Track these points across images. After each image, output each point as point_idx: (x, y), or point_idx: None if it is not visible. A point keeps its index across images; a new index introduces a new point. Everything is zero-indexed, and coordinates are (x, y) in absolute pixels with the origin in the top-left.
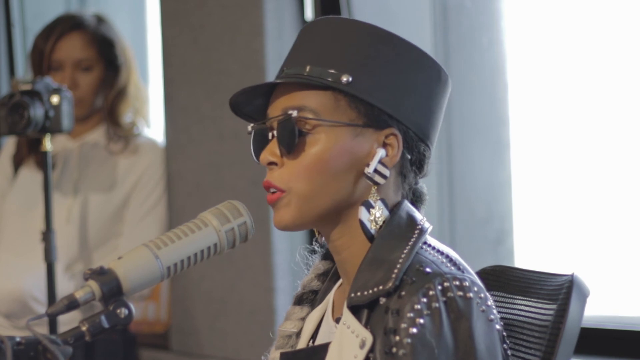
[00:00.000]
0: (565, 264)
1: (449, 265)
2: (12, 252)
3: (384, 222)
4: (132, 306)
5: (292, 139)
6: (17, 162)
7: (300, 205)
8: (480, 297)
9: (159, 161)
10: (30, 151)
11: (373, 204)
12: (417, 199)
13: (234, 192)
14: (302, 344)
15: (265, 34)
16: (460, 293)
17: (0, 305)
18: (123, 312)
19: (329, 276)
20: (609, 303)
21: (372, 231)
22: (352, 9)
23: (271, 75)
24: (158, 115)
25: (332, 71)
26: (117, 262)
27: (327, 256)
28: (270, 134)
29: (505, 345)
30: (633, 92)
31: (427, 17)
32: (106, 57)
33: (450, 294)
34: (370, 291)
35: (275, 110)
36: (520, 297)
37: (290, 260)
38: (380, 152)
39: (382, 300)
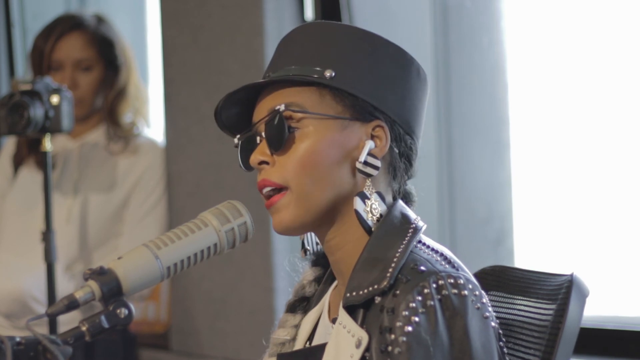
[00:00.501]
0: (565, 264)
1: (443, 263)
2: (12, 252)
3: (380, 216)
4: (132, 306)
5: (282, 135)
6: (17, 162)
7: (301, 204)
8: (475, 295)
9: (159, 161)
10: (30, 151)
11: (368, 195)
12: (407, 200)
13: (234, 192)
14: (299, 345)
15: (265, 34)
16: (455, 291)
17: (0, 305)
18: (123, 312)
19: (324, 279)
20: (608, 303)
21: (369, 222)
22: (352, 9)
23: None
24: (158, 115)
25: (315, 68)
26: (117, 262)
27: (316, 262)
28: (257, 138)
29: (501, 342)
30: (633, 92)
31: (427, 17)
32: (106, 57)
33: (445, 292)
34: (366, 290)
35: (261, 113)
36: (519, 297)
37: (290, 260)
38: (369, 143)
39: (378, 299)
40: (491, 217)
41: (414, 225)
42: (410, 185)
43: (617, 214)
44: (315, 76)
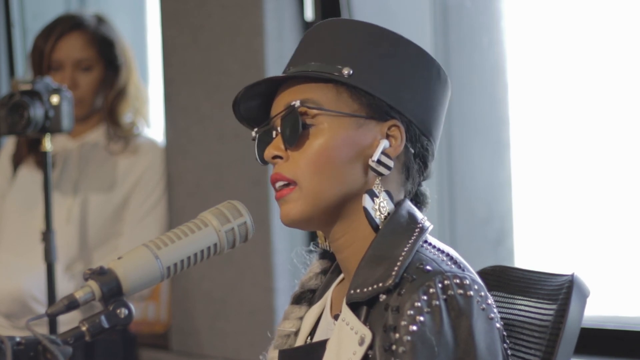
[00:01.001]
0: (565, 264)
1: (449, 263)
2: (12, 252)
3: (388, 214)
4: (132, 306)
5: (296, 130)
6: (17, 162)
7: (309, 200)
8: (481, 296)
9: (159, 161)
10: (30, 151)
11: (377, 193)
12: (420, 201)
13: (234, 192)
14: (300, 340)
15: (265, 34)
16: (461, 291)
17: (0, 305)
18: (123, 312)
19: (328, 274)
20: (609, 303)
21: (377, 220)
22: (352, 9)
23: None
24: (158, 115)
25: (334, 65)
26: (117, 262)
27: (324, 255)
28: (274, 132)
29: (505, 344)
30: (633, 92)
31: (427, 17)
32: (106, 57)
33: (450, 292)
34: (370, 288)
35: (278, 107)
36: (520, 297)
37: (291, 260)
38: (384, 143)
39: (382, 297)
40: (491, 217)
41: (420, 225)
42: (425, 187)
43: (617, 214)
44: (334, 73)
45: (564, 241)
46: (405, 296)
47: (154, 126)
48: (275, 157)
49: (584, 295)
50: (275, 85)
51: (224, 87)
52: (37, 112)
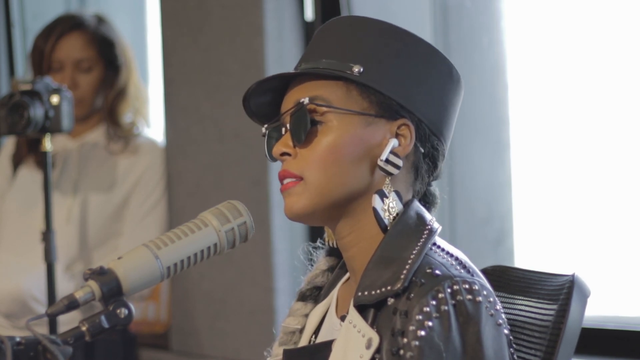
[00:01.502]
0: (566, 264)
1: (458, 267)
2: (12, 252)
3: (397, 215)
4: (132, 306)
5: (304, 128)
6: (17, 162)
7: (314, 195)
8: (490, 301)
9: (159, 161)
10: (30, 151)
11: (387, 193)
12: (429, 202)
13: (234, 192)
14: (304, 339)
15: (265, 34)
16: (470, 296)
17: (0, 305)
18: (123, 312)
19: (334, 272)
20: (609, 303)
21: (386, 221)
22: (352, 9)
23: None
24: (158, 116)
25: (344, 63)
26: (117, 262)
27: (331, 252)
28: (283, 129)
29: (511, 349)
30: (633, 92)
31: (427, 17)
32: (106, 57)
33: (459, 297)
34: (378, 291)
35: (288, 104)
36: (520, 297)
37: (291, 260)
38: (393, 142)
39: (390, 300)
40: (491, 217)
41: (429, 227)
42: (435, 187)
43: (617, 214)
44: (345, 71)
45: (564, 241)
46: (414, 301)
47: (154, 126)
48: (283, 154)
49: (584, 295)
50: (286, 82)
51: (224, 87)
52: (37, 112)
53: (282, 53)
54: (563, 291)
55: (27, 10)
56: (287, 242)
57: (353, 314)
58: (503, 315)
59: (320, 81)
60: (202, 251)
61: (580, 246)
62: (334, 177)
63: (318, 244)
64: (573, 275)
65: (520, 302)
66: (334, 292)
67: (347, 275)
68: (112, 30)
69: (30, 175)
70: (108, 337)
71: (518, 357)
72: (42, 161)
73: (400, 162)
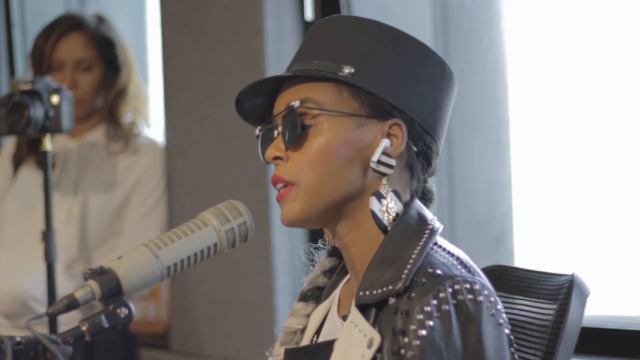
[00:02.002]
0: (566, 264)
1: (459, 267)
2: (12, 252)
3: (397, 215)
4: (132, 306)
5: (295, 131)
6: (17, 162)
7: (308, 198)
8: (491, 301)
9: (159, 161)
10: (30, 151)
11: (385, 194)
12: (426, 198)
13: (234, 192)
14: (306, 339)
15: (265, 34)
16: (471, 296)
17: (0, 305)
18: (123, 312)
19: (336, 272)
20: (609, 303)
21: (385, 222)
22: (352, 9)
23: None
24: (158, 116)
25: (335, 64)
26: (117, 261)
27: (333, 253)
28: (275, 132)
29: (512, 348)
30: (633, 92)
31: (427, 17)
32: (106, 57)
33: (460, 297)
34: (380, 290)
35: (280, 106)
36: (520, 297)
37: (290, 260)
38: (384, 142)
39: (392, 300)
40: (491, 217)
41: (430, 227)
42: (431, 184)
43: (617, 214)
44: (332, 72)
45: (564, 241)
46: (415, 300)
47: (154, 126)
48: (276, 157)
49: (584, 295)
50: (280, 83)
51: (224, 87)
52: (37, 112)
53: (282, 53)
54: (563, 291)
55: (27, 10)
56: (287, 242)
57: (355, 314)
58: (504, 315)
59: (311, 83)
60: (202, 251)
61: (580, 246)
62: (326, 180)
63: (319, 244)
64: (573, 275)
65: (520, 301)
66: (336, 293)
67: (349, 275)
68: (112, 30)
69: (30, 175)
70: (108, 337)
71: (518, 356)
72: (42, 161)
73: (392, 162)
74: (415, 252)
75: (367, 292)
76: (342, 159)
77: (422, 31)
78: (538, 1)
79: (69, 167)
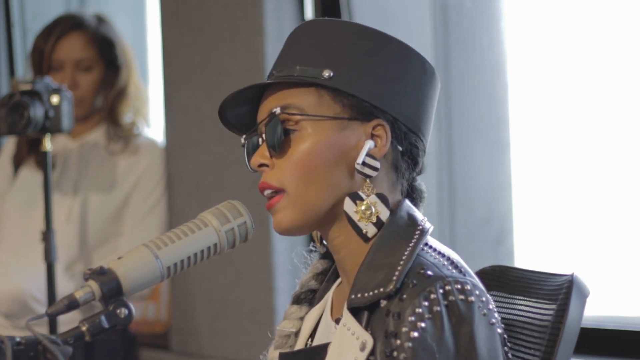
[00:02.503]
0: (565, 264)
1: (450, 268)
2: (12, 252)
3: (377, 219)
4: (132, 306)
5: (278, 138)
6: (17, 162)
7: (298, 207)
8: (482, 301)
9: (159, 161)
10: (30, 151)
11: (363, 196)
12: (416, 197)
13: (234, 192)
14: (300, 343)
15: (265, 34)
16: (462, 297)
17: (0, 305)
18: (123, 312)
19: (328, 275)
20: (609, 303)
21: (360, 224)
22: (352, 9)
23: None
24: (158, 116)
25: (314, 68)
26: (117, 262)
27: (325, 255)
28: (260, 140)
29: (506, 348)
30: (633, 92)
31: (427, 17)
32: (106, 57)
33: (451, 298)
34: (371, 293)
35: (263, 114)
36: (520, 297)
37: (290, 260)
38: (369, 144)
39: (383, 302)
40: (491, 217)
41: (420, 227)
42: (421, 182)
43: (617, 214)
44: (313, 77)
45: (564, 241)
46: (407, 302)
47: (154, 126)
48: (261, 165)
49: (583, 295)
50: (263, 90)
51: (224, 87)
52: (37, 112)
53: None
54: (562, 291)
55: (27, 10)
56: (287, 242)
57: (347, 317)
58: (496, 315)
59: (292, 89)
60: (202, 251)
61: (579, 246)
62: (313, 185)
63: (312, 247)
64: (572, 275)
65: (519, 302)
66: (329, 295)
67: (341, 278)
68: (112, 30)
69: (30, 175)
70: (108, 337)
71: (517, 357)
72: (42, 161)
73: (377, 164)
74: (406, 253)
75: (359, 295)
76: (327, 163)
77: (422, 31)
78: (538, 1)
79: (69, 167)
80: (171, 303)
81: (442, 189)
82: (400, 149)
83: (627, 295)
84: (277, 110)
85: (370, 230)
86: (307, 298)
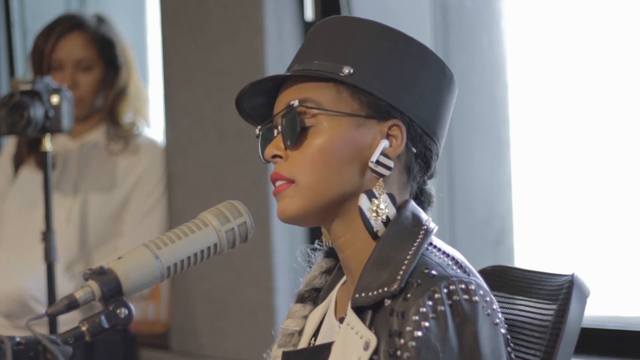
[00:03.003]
0: (565, 264)
1: (454, 267)
2: (12, 252)
3: (387, 218)
4: (132, 306)
5: (294, 130)
6: (17, 162)
7: (306, 196)
8: (486, 301)
9: (159, 161)
10: (30, 151)
11: (377, 194)
12: (425, 201)
13: (234, 192)
14: (303, 342)
15: (265, 34)
16: (466, 296)
17: (0, 305)
18: (123, 312)
19: (332, 274)
20: (609, 303)
21: (372, 222)
22: (352, 9)
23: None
24: (158, 116)
25: (335, 64)
26: (117, 262)
27: (330, 254)
28: (275, 131)
29: (509, 348)
30: (633, 92)
31: (427, 17)
32: (106, 57)
33: (455, 298)
34: (375, 292)
35: (280, 105)
36: (520, 297)
37: (290, 260)
38: (384, 143)
39: (387, 302)
40: (491, 217)
41: (425, 227)
42: (431, 187)
43: (617, 214)
44: (332, 72)
45: (564, 241)
46: (411, 301)
47: (154, 126)
48: (275, 156)
49: (584, 295)
50: (280, 83)
51: (224, 87)
52: (37, 112)
53: (282, 53)
54: (562, 291)
55: (27, 10)
56: (287, 242)
57: (351, 316)
58: (500, 315)
59: (311, 83)
60: (202, 251)
61: (580, 246)
62: (325, 179)
63: (316, 245)
64: (572, 275)
65: (519, 302)
66: (333, 294)
67: (345, 277)
68: (112, 30)
69: (30, 175)
70: (108, 337)
71: (517, 357)
72: (42, 161)
73: (391, 163)
74: (410, 253)
75: (363, 294)
76: (341, 159)
77: (422, 31)
78: (538, 1)
79: (69, 167)
80: (171, 303)
81: (442, 189)
82: (415, 151)
83: (627, 295)
84: (295, 102)
85: (380, 229)
86: (311, 297)
